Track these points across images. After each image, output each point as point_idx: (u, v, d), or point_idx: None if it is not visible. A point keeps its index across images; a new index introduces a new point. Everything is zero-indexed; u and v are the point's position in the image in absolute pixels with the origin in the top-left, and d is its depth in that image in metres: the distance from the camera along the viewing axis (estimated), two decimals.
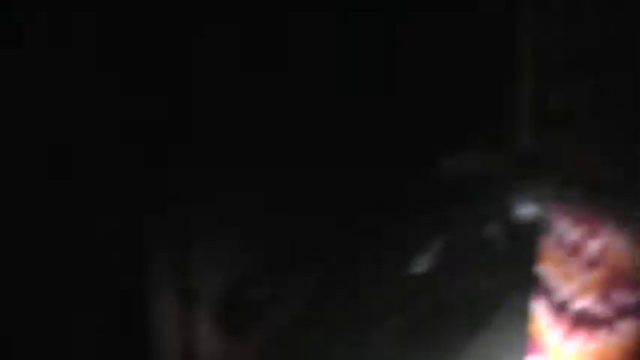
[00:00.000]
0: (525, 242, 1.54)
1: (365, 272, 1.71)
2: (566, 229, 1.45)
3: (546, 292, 1.46)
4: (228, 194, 1.68)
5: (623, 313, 1.39)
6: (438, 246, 1.71)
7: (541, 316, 1.47)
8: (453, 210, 1.67)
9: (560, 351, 1.43)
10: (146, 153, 1.64)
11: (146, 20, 1.57)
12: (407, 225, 1.71)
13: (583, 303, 1.40)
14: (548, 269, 1.47)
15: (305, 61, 1.64)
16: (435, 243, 1.72)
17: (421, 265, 1.72)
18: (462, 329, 1.70)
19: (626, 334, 1.39)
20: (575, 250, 1.43)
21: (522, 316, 1.52)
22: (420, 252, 1.72)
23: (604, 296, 1.39)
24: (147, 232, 1.66)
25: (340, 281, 1.72)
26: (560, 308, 1.43)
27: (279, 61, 1.65)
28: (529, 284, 1.51)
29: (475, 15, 1.58)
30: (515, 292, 1.56)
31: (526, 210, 1.51)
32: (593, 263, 1.41)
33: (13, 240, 1.60)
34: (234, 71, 1.65)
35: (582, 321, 1.40)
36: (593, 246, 1.41)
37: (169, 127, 1.64)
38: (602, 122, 1.43)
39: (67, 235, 1.63)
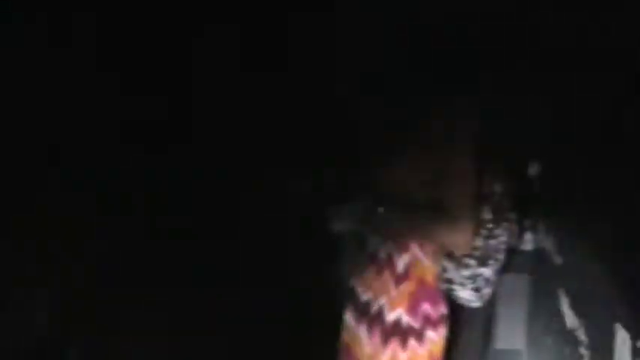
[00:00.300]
0: (340, 257, 1.61)
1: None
2: (378, 245, 1.53)
3: (359, 304, 1.53)
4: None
5: (430, 323, 1.49)
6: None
7: (354, 327, 1.53)
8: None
9: None
10: None
11: (146, 20, 1.58)
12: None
13: (394, 315, 1.48)
14: (360, 283, 1.53)
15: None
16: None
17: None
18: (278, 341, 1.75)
19: (434, 343, 1.49)
20: (385, 264, 1.51)
21: (336, 328, 1.59)
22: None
23: (413, 308, 1.48)
24: None
25: None
26: (372, 320, 1.49)
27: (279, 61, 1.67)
28: (343, 297, 1.58)
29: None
30: (330, 304, 1.62)
31: (340, 226, 1.56)
32: (401, 277, 1.51)
33: None
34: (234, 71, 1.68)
35: (394, 331, 1.47)
36: (402, 261, 1.51)
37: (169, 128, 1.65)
38: (412, 143, 1.51)
39: None
